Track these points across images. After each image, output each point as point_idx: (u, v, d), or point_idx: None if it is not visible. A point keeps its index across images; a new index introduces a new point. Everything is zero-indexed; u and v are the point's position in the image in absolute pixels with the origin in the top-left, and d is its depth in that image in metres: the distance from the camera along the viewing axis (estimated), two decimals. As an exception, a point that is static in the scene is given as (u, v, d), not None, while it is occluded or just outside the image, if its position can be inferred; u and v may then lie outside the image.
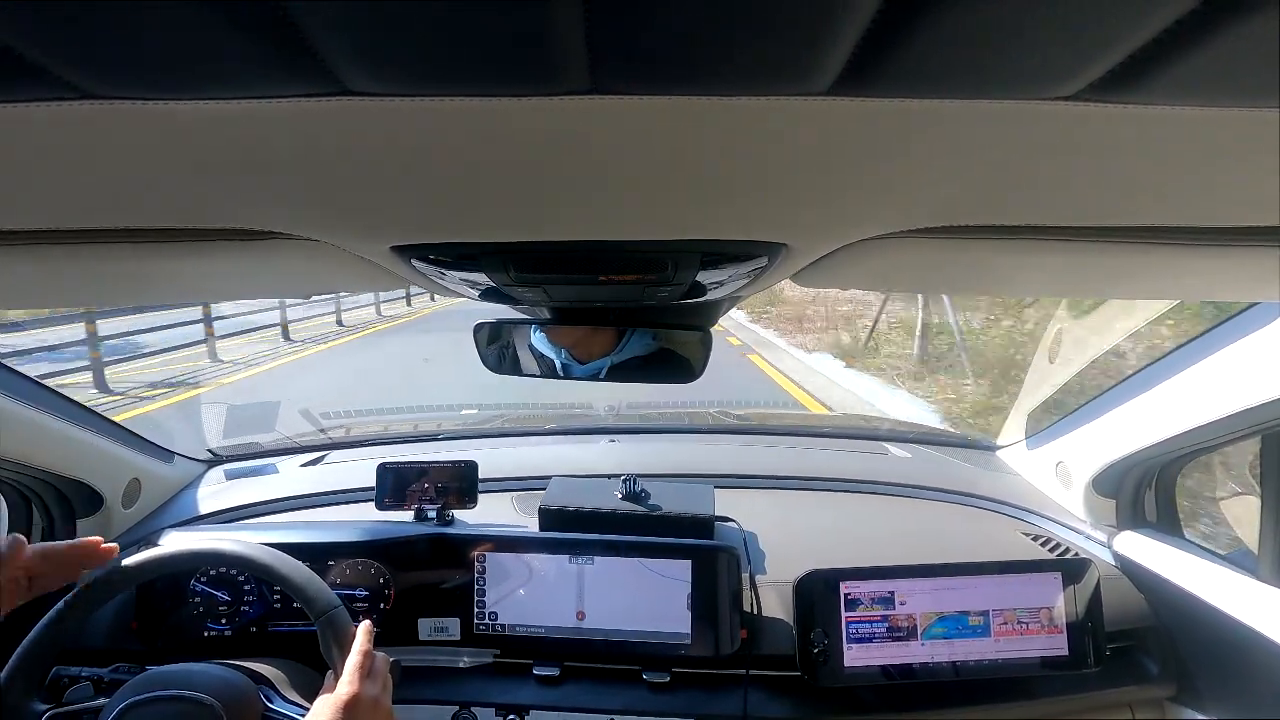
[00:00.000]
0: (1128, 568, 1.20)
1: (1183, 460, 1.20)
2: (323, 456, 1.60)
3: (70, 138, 0.28)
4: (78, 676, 0.87)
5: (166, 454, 1.43)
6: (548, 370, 0.98)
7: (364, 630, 0.82)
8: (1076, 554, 1.20)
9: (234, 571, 1.10)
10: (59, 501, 1.18)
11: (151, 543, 1.16)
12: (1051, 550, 1.23)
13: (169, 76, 0.23)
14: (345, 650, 0.79)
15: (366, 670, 0.78)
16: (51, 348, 7.17)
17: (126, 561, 0.83)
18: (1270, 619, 0.97)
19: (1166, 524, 1.25)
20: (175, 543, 0.88)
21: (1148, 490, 1.26)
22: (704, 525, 1.20)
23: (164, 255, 0.47)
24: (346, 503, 1.36)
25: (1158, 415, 1.09)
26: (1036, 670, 1.07)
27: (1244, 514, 1.26)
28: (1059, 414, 1.41)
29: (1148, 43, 0.21)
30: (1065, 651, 1.07)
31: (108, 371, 7.09)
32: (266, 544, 0.88)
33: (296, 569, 0.85)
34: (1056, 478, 1.39)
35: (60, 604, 0.79)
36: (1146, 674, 1.13)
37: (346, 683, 0.75)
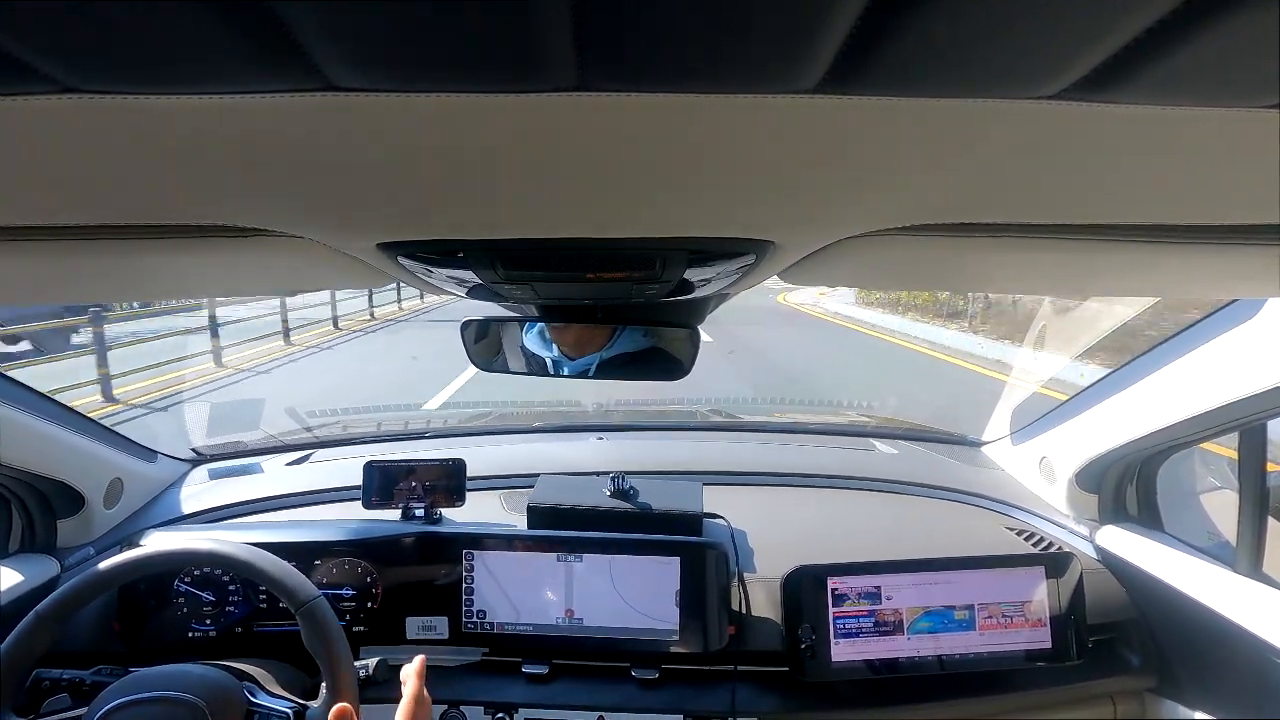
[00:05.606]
0: (1109, 561, 1.22)
1: (1163, 455, 1.22)
2: (308, 455, 1.59)
3: (51, 132, 0.27)
4: (59, 680, 0.86)
5: (149, 453, 1.41)
6: (537, 368, 0.98)
7: (415, 672, 0.77)
8: (1060, 548, 1.22)
9: (218, 572, 1.09)
10: (39, 502, 1.16)
11: (133, 543, 1.14)
12: (1035, 545, 1.24)
13: (152, 71, 0.23)
14: (328, 642, 0.79)
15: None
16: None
17: (102, 565, 0.82)
18: (1247, 611, 0.99)
19: (1147, 518, 1.27)
20: (154, 543, 0.87)
21: (1129, 485, 1.27)
22: (692, 522, 1.20)
23: (149, 251, 0.47)
24: (332, 502, 1.35)
25: (1138, 411, 1.11)
26: (1020, 663, 1.09)
27: (1222, 507, 1.28)
28: (1042, 411, 1.43)
29: (1130, 42, 0.21)
30: (1048, 644, 1.09)
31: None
32: (250, 543, 0.88)
33: (273, 563, 0.85)
34: (1040, 473, 1.40)
35: (31, 616, 0.78)
36: (1128, 666, 1.15)
37: None
